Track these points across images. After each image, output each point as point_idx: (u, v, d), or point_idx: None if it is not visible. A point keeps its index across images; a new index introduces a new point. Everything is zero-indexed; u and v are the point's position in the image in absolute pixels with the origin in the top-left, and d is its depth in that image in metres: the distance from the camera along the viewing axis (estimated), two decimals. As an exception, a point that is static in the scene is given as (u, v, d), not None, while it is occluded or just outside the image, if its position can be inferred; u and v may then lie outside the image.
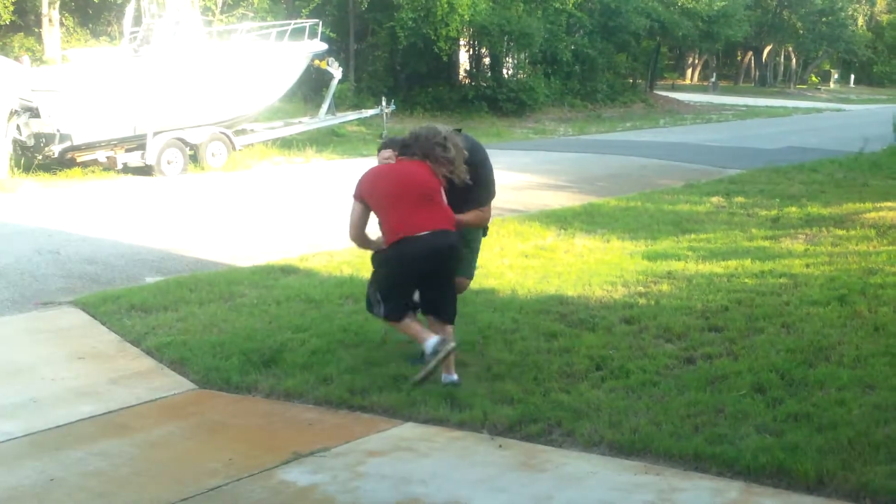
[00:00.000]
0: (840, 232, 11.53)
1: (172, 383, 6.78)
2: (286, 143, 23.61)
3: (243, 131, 22.09)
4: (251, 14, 31.03)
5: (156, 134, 19.08)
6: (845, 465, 4.91)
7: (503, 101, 35.93)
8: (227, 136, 20.67)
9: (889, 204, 13.55)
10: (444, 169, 6.55)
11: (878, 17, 71.62)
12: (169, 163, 19.40)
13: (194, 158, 20.01)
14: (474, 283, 9.20)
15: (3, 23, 30.28)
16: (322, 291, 8.91)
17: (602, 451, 5.38)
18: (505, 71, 38.94)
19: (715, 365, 6.58)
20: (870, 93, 64.25)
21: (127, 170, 19.23)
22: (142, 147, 19.10)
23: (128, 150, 19.34)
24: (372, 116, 27.09)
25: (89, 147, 18.98)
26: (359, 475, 5.12)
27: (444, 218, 6.46)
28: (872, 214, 12.75)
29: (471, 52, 39.08)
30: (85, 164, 19.27)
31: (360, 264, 9.95)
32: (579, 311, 8.07)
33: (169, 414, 6.24)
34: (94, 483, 5.14)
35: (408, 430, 5.78)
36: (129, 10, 21.30)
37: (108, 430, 5.92)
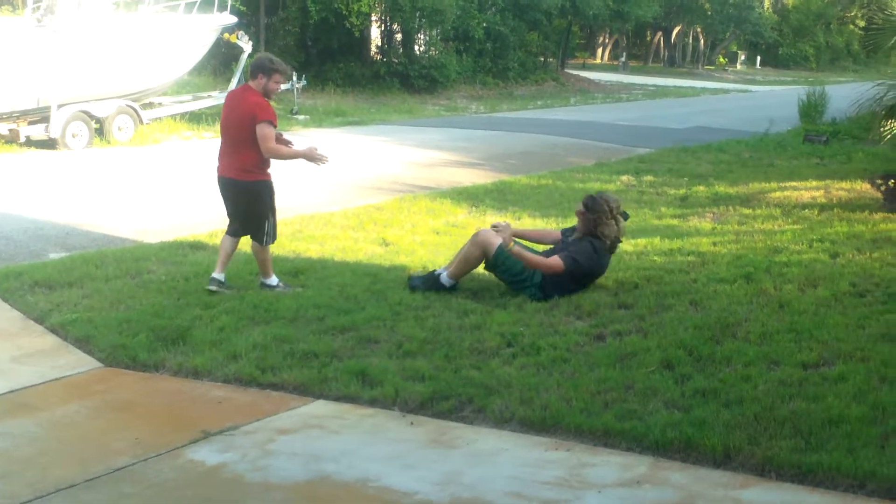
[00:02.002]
0: (746, 211, 11.74)
1: (78, 361, 6.63)
2: (195, 118, 23.25)
3: (151, 105, 21.67)
4: (159, -15, 30.40)
5: (60, 106, 18.60)
6: (751, 439, 5.00)
7: (415, 78, 35.83)
8: (135, 110, 20.26)
9: (794, 183, 13.85)
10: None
11: (783, 1, 72.98)
12: (74, 136, 18.93)
13: (100, 132, 19.57)
14: (385, 260, 9.22)
15: None
16: (232, 268, 8.76)
17: (513, 428, 5.40)
18: (417, 47, 38.81)
19: (625, 342, 6.65)
20: (776, 74, 65.48)
21: (30, 143, 18.74)
22: (45, 120, 18.62)
23: (31, 123, 18.84)
24: (283, 91, 26.81)
25: (-9, 119, 18.47)
26: (268, 453, 5.08)
27: None
28: (777, 194, 13.02)
29: (383, 28, 38.86)
30: (-14, 137, 18.73)
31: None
32: (491, 289, 8.09)
33: (74, 393, 6.10)
34: (-4, 463, 5.01)
35: (318, 408, 5.74)
36: (33, -21, 20.72)
37: (11, 410, 5.77)
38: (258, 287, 8.09)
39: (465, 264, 8.06)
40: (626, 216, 8.26)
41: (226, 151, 7.97)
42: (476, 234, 8.11)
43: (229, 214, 8.22)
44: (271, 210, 8.02)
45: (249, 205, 7.98)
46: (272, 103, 7.91)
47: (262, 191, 7.94)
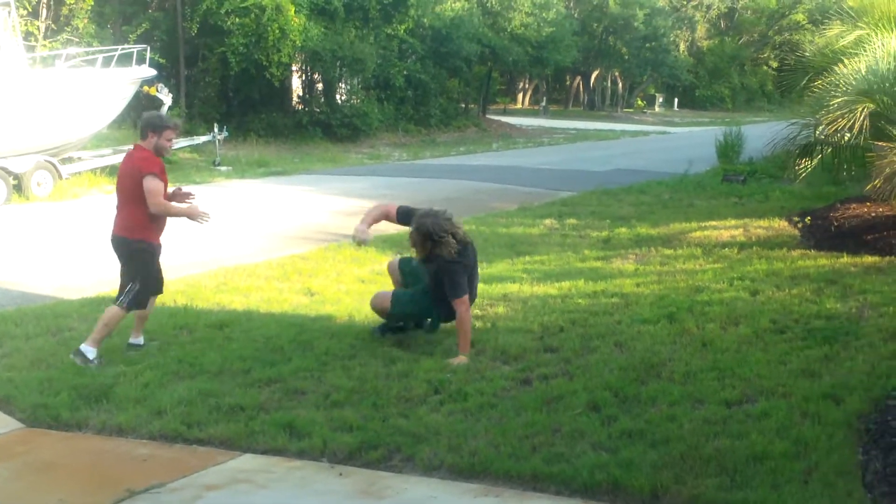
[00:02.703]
0: (668, 251, 11.91)
1: (-3, 422, 6.49)
2: (116, 171, 22.97)
3: (70, 159, 21.39)
4: (76, 40, 30.15)
5: (-24, 163, 18.31)
6: (678, 478, 5.06)
7: (337, 127, 35.83)
8: (53, 165, 19.98)
9: (713, 223, 14.09)
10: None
11: (698, 44, 74.46)
12: (-10, 193, 18.63)
13: (18, 188, 19.24)
14: (310, 310, 9.18)
15: None
16: (155, 322, 8.67)
17: (442, 475, 5.41)
18: (338, 96, 38.87)
19: (551, 385, 6.70)
20: (693, 116, 66.61)
21: (-54, 201, 18.39)
22: (-40, 177, 18.30)
23: (-54, 180, 18.51)
24: (204, 143, 26.63)
25: None
26: (196, 510, 5.01)
27: None
28: (698, 234, 13.24)
29: (304, 78, 38.89)
30: None
31: (194, 294, 9.76)
32: (416, 336, 8.10)
33: (-7, 455, 5.97)
34: (-88, 532, 4.88)
35: (246, 462, 5.69)
36: (-54, 36, 20.43)
37: (-73, 475, 5.62)
38: (182, 341, 7.98)
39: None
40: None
41: (117, 210, 7.85)
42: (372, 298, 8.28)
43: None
44: (144, 276, 7.75)
45: (125, 261, 7.81)
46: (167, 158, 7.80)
47: (137, 251, 7.74)
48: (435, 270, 7.83)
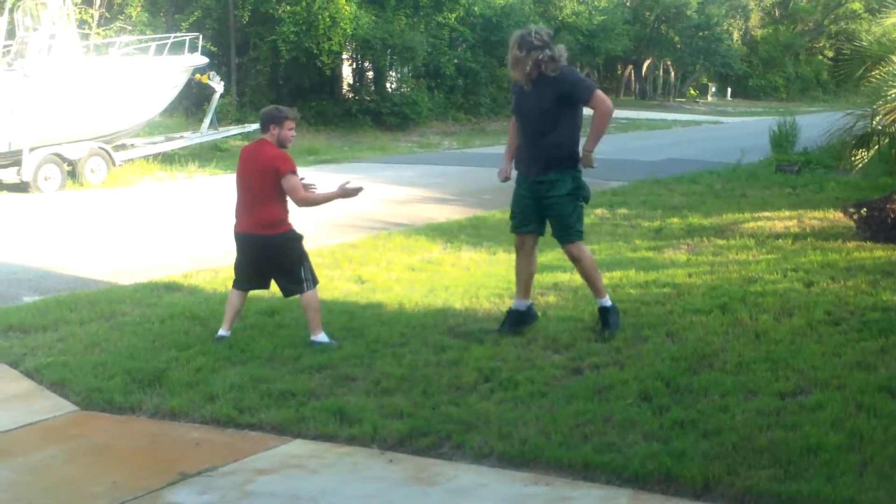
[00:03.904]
0: (720, 242, 11.80)
1: (53, 406, 6.57)
2: (168, 159, 23.22)
3: (123, 146, 21.65)
4: (129, 28, 30.45)
5: (32, 149, 18.54)
6: (730, 469, 5.01)
7: (387, 115, 35.90)
8: (107, 152, 20.22)
9: (767, 214, 13.94)
10: None
11: (752, 32, 73.63)
12: (46, 179, 18.87)
13: (73, 174, 19.51)
14: (361, 297, 9.21)
15: None
16: (207, 308, 8.75)
17: (492, 463, 5.39)
18: (388, 85, 38.96)
19: (602, 374, 6.66)
20: (746, 105, 65.97)
21: (2, 187, 18.66)
22: (17, 163, 18.54)
23: (3, 167, 18.77)
24: (255, 131, 26.76)
25: (-38, 164, 18.40)
26: (247, 494, 5.04)
27: None
28: (751, 224, 13.10)
29: (354, 66, 38.99)
30: (-42, 182, 18.66)
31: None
32: (467, 324, 8.09)
33: (49, 437, 6.05)
34: (-30, 511, 4.96)
35: (297, 447, 5.71)
36: (2, 23, 20.68)
37: (-15, 456, 5.71)
38: (234, 327, 8.01)
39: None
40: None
41: (245, 208, 7.72)
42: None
43: (243, 270, 7.92)
44: (304, 256, 7.79)
45: (279, 257, 7.74)
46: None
47: (287, 241, 7.73)
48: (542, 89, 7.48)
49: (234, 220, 7.79)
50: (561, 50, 7.52)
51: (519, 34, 7.58)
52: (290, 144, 7.82)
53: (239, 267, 7.95)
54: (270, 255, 7.71)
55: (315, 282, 7.83)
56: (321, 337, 7.63)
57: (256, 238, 7.67)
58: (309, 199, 7.71)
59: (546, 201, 7.62)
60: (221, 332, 7.84)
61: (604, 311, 7.72)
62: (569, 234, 7.65)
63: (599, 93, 7.53)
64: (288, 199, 7.67)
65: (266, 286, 8.02)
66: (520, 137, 7.80)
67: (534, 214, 7.75)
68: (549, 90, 7.46)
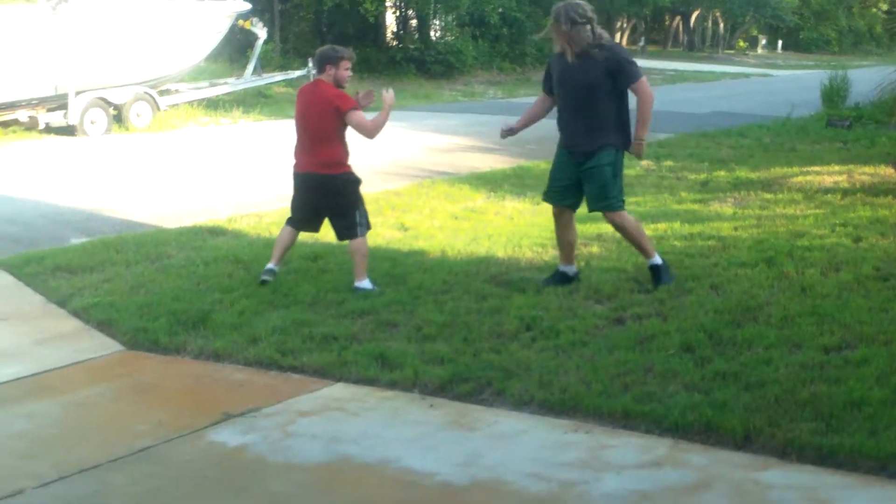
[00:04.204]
0: (768, 196, 11.66)
1: (99, 345, 6.67)
2: (212, 104, 23.28)
3: (168, 91, 21.71)
4: (175, -28, 30.42)
5: (78, 93, 18.67)
6: (772, 422, 4.98)
7: (431, 64, 35.71)
8: (152, 96, 20.31)
9: (816, 168, 13.76)
10: None
11: (804, -16, 72.46)
12: (92, 123, 19.02)
13: (118, 119, 19.64)
14: (404, 245, 9.22)
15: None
16: (251, 252, 8.81)
17: (532, 410, 5.40)
18: (433, 33, 38.70)
19: (644, 325, 6.63)
20: (797, 59, 64.97)
21: (49, 130, 18.83)
22: (64, 107, 18.69)
23: (49, 110, 18.94)
24: (298, 78, 26.77)
25: (10, 106, 18.55)
26: (290, 435, 5.10)
27: None
28: (799, 178, 12.94)
29: (398, 14, 38.76)
30: (6, 124, 18.84)
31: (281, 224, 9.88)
32: (510, 273, 8.08)
33: (96, 375, 6.15)
34: (21, 444, 5.07)
35: (338, 391, 5.76)
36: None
37: (34, 392, 5.82)
38: (277, 271, 8.05)
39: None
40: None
41: (304, 148, 7.73)
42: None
43: (299, 208, 7.96)
44: (360, 200, 7.82)
45: (338, 198, 7.76)
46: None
47: (347, 183, 7.74)
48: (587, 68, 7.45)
49: (292, 162, 7.81)
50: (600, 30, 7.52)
51: (561, 7, 7.53)
52: (346, 84, 7.79)
53: (295, 206, 7.98)
54: (329, 195, 7.72)
55: (368, 227, 7.86)
56: (365, 283, 7.66)
57: (316, 177, 7.68)
58: (378, 125, 7.68)
59: (586, 171, 7.54)
60: (270, 265, 7.89)
61: (655, 270, 7.66)
62: (609, 203, 7.60)
63: (644, 80, 7.48)
64: (346, 141, 7.69)
65: (317, 229, 8.06)
66: (563, 110, 7.74)
67: (572, 189, 7.73)
68: (596, 65, 7.41)
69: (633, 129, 7.60)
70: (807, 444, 4.76)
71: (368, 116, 7.73)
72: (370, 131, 7.66)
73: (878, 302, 6.98)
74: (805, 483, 4.48)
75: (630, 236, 7.75)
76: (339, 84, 7.69)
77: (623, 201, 7.73)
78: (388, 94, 7.79)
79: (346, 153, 7.71)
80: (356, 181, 7.77)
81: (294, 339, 6.50)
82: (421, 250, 8.98)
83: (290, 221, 8.02)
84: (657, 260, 7.69)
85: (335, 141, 7.62)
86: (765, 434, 4.88)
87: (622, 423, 5.16)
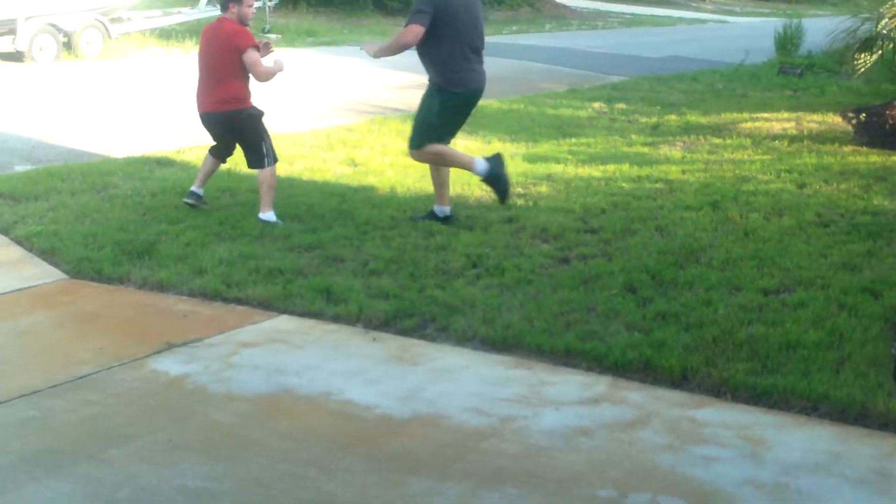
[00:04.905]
0: (717, 140, 11.75)
1: (42, 273, 6.62)
2: (165, 34, 22.90)
3: (120, 19, 21.29)
4: None
5: (27, 19, 18.28)
6: (709, 361, 5.08)
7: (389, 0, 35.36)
8: (103, 24, 19.93)
9: (765, 115, 13.85)
10: None
11: (763, -69, 72.30)
12: (41, 49, 18.64)
13: (68, 46, 19.26)
14: (353, 180, 9.20)
15: None
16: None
17: (475, 346, 5.46)
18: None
19: (589, 265, 6.70)
20: (754, 6, 64.93)
21: (-4, 55, 18.46)
22: (12, 32, 18.29)
23: (-2, 36, 18.55)
24: (255, 9, 26.46)
25: (-44, 30, 18.16)
26: (231, 366, 5.11)
27: None
28: (749, 125, 13.04)
29: (358, -55, 38.23)
30: (-49, 49, 18.44)
31: (239, 159, 9.78)
32: (458, 210, 8.09)
33: (38, 303, 6.11)
34: (-42, 371, 5.03)
35: (282, 323, 5.77)
36: None
37: (-27, 318, 5.77)
38: (224, 204, 8.03)
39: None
40: None
41: (207, 86, 7.80)
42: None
43: (214, 141, 8.14)
44: (264, 132, 7.87)
45: (240, 134, 7.85)
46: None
47: (249, 118, 7.78)
48: None
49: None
50: None
51: None
52: (250, 22, 7.90)
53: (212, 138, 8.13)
54: (234, 130, 7.85)
55: (275, 159, 7.94)
56: (269, 215, 7.74)
57: (217, 115, 7.80)
58: (269, 74, 7.72)
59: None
60: (193, 188, 8.06)
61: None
62: None
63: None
64: (247, 78, 7.74)
65: (249, 161, 8.06)
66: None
67: None
68: None
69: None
70: (742, 384, 4.86)
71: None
72: (261, 74, 7.69)
73: (818, 247, 7.10)
74: (739, 421, 4.58)
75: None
76: (242, 21, 7.78)
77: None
78: (279, 65, 7.81)
79: (246, 90, 7.77)
80: (257, 115, 7.83)
81: (240, 271, 6.49)
82: (370, 186, 8.97)
83: (211, 150, 8.17)
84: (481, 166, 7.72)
85: (235, 78, 7.67)
86: (701, 373, 4.98)
87: (563, 361, 5.24)
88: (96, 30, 19.71)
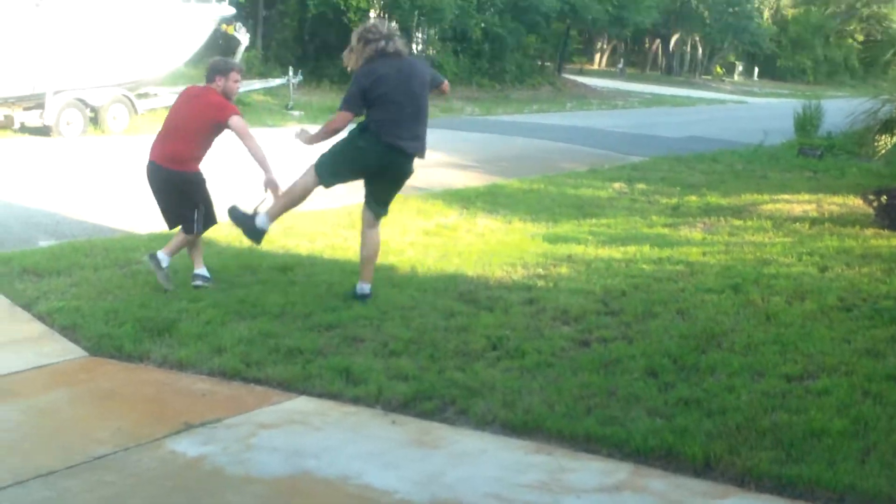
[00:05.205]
0: (737, 222, 11.75)
1: (63, 349, 6.63)
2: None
3: (146, 95, 21.62)
4: (158, -26, 30.37)
5: (55, 93, 18.59)
6: (732, 449, 5.01)
7: (409, 78, 35.70)
8: (130, 99, 20.24)
9: (786, 196, 13.87)
10: None
11: (783, 11, 72.97)
12: (68, 124, 18.94)
13: (95, 121, 19.57)
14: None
15: None
16: (219, 262, 8.78)
17: (495, 431, 5.40)
18: (414, 46, 38.77)
19: (610, 348, 6.66)
20: (773, 86, 65.51)
21: (24, 129, 18.73)
22: (40, 106, 18.61)
23: (26, 109, 18.84)
24: (278, 86, 26.75)
25: (-15, 104, 18.45)
26: (250, 447, 5.07)
27: None
28: (769, 206, 13.05)
29: (381, 25, 38.75)
30: (-20, 122, 18.72)
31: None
32: (478, 291, 8.09)
33: (58, 380, 6.11)
34: (-23, 449, 5.01)
35: (301, 404, 5.74)
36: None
37: (-6, 395, 5.77)
38: (245, 282, 8.05)
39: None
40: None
41: (163, 138, 7.99)
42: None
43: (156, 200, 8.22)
44: (204, 201, 8.03)
45: (179, 194, 7.98)
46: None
47: (195, 182, 7.99)
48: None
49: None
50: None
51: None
52: (234, 97, 8.01)
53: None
54: (171, 189, 7.99)
55: (200, 232, 8.09)
56: (164, 258, 7.91)
57: (168, 172, 7.94)
58: (257, 146, 7.76)
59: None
60: (197, 271, 8.13)
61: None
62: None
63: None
64: (204, 146, 7.95)
65: (171, 224, 8.22)
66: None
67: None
68: None
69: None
70: (766, 473, 4.79)
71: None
72: (249, 139, 7.76)
73: (841, 332, 7.04)
74: (763, 512, 4.51)
75: None
76: (227, 95, 7.92)
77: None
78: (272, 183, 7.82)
79: (197, 155, 7.92)
80: (204, 181, 8.00)
81: (259, 350, 6.48)
82: (391, 265, 8.98)
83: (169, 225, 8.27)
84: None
85: (193, 140, 7.84)
86: (725, 461, 4.91)
87: (584, 446, 5.18)
88: (123, 105, 20.01)
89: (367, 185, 7.89)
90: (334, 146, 7.67)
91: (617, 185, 15.03)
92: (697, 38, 68.84)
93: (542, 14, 41.88)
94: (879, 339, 6.90)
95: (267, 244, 8.69)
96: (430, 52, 38.12)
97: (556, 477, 4.82)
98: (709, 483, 4.80)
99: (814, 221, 11.81)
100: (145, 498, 4.51)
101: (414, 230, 10.84)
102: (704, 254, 9.74)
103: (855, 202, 13.20)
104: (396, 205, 12.30)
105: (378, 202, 7.95)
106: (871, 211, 11.98)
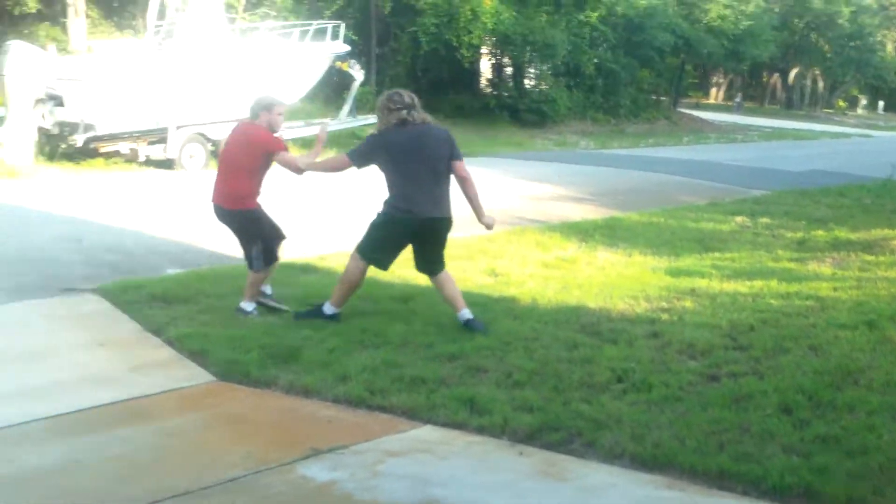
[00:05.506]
0: (868, 257, 11.38)
1: (192, 374, 6.73)
2: (307, 144, 23.46)
3: (265, 129, 22.00)
4: (274, 13, 31.06)
5: (178, 128, 19.09)
6: (876, 490, 4.81)
7: (524, 112, 35.81)
8: (249, 134, 20.61)
9: (919, 231, 13.41)
10: None
11: (907, 44, 71.27)
12: (191, 157, 19.45)
13: (215, 154, 19.96)
14: (494, 290, 9.17)
15: (29, 11, 30.40)
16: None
17: (623, 464, 5.29)
18: (527, 81, 38.87)
19: (740, 383, 6.47)
20: (897, 121, 63.91)
21: (149, 162, 19.25)
22: (164, 141, 19.13)
23: (150, 143, 19.38)
24: (283, 118, 26.94)
25: (112, 138, 19.02)
26: (377, 474, 5.06)
27: None
28: (902, 241, 12.62)
29: (493, 61, 39.02)
30: (108, 155, 19.30)
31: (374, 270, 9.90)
32: (601, 323, 7.98)
33: (188, 404, 6.20)
34: (116, 467, 5.13)
35: (426, 433, 5.71)
36: (154, 4, 21.30)
37: (129, 418, 5.89)
38: (366, 311, 8.09)
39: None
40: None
41: (221, 178, 8.26)
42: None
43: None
44: (261, 236, 8.20)
45: (237, 231, 8.28)
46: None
47: (250, 220, 8.18)
48: None
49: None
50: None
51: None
52: (279, 129, 8.26)
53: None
54: (230, 225, 8.29)
55: (262, 268, 8.17)
56: (247, 305, 8.11)
57: (225, 211, 8.21)
58: (308, 165, 8.07)
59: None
60: (242, 304, 8.20)
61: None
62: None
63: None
64: (258, 180, 8.16)
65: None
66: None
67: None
68: None
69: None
70: (913, 516, 4.59)
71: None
72: (299, 169, 8.03)
73: None
74: (909, 556, 4.31)
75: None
76: (272, 129, 8.12)
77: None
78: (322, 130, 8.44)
79: (254, 191, 8.13)
80: (258, 216, 8.21)
81: (383, 378, 6.48)
82: (511, 297, 8.92)
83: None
84: None
85: (247, 177, 8.04)
86: (869, 503, 4.71)
87: (717, 483, 5.03)
88: (243, 139, 20.37)
89: (413, 251, 8.04)
90: (368, 230, 7.88)
91: (739, 218, 14.74)
92: (818, 73, 67.57)
93: (656, 49, 41.59)
94: None
95: (386, 275, 8.69)
96: (543, 87, 38.11)
97: (689, 513, 4.69)
98: (851, 524, 4.62)
99: (949, 257, 11.38)
100: (275, 522, 4.51)
101: (533, 262, 10.77)
102: (835, 289, 9.44)
103: None
104: (515, 237, 12.36)
105: (427, 262, 8.06)
106: None
